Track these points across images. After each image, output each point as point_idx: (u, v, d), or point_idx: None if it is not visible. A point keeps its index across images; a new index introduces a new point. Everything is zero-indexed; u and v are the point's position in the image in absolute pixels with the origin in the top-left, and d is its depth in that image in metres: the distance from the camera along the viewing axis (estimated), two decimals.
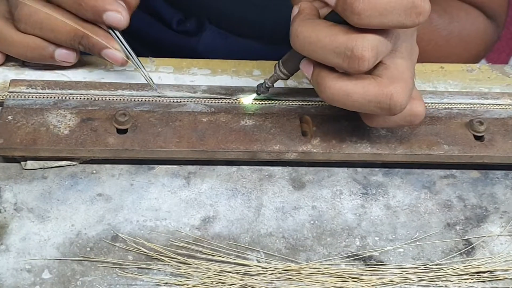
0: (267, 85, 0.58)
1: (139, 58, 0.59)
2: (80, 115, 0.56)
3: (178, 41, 0.82)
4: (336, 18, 0.50)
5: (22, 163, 0.55)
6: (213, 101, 0.59)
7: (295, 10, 0.52)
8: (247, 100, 0.59)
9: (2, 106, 0.57)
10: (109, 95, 0.58)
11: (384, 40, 0.49)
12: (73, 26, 0.57)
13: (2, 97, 0.57)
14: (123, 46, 0.58)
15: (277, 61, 0.56)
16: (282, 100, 0.60)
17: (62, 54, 0.59)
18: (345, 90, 0.50)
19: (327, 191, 0.57)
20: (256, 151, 0.56)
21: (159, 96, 0.59)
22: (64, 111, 0.56)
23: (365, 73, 0.50)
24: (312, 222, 0.54)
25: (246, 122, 0.57)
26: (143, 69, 0.59)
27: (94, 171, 0.55)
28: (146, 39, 0.81)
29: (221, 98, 0.59)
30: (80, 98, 0.58)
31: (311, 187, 0.57)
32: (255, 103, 0.59)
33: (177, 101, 0.59)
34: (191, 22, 0.82)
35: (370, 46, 0.48)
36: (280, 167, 0.58)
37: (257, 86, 0.59)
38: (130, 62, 0.59)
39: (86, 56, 0.63)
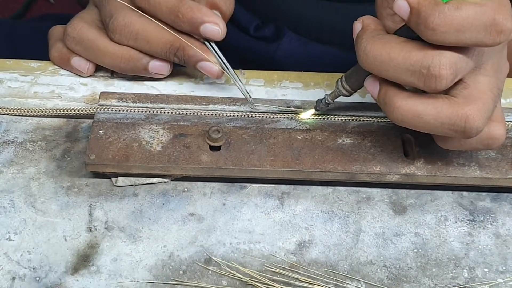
0: (327, 101, 0.54)
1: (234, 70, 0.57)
2: (172, 130, 0.54)
3: (256, 47, 0.79)
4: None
5: (113, 179, 0.53)
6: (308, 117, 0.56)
7: (358, 26, 0.49)
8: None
9: (93, 120, 0.56)
10: (200, 109, 0.56)
11: (463, 57, 0.45)
12: (169, 37, 0.55)
13: (93, 110, 0.56)
14: (219, 59, 0.56)
15: (339, 77, 0.53)
16: (382, 118, 0.56)
17: (156, 66, 0.57)
18: (415, 111, 0.46)
19: (430, 217, 0.53)
20: (355, 172, 0.52)
21: (252, 111, 0.56)
22: (156, 126, 0.54)
23: (441, 92, 0.47)
24: (415, 250, 0.51)
25: (343, 141, 0.54)
26: (239, 82, 0.56)
27: (186, 189, 0.53)
28: (222, 44, 0.79)
29: (314, 115, 0.56)
30: (172, 113, 0.56)
31: (413, 212, 0.53)
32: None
33: (270, 117, 0.56)
34: (269, 28, 0.79)
35: (448, 64, 0.44)
36: (378, 189, 0.54)
37: (316, 101, 0.55)
38: (225, 74, 0.57)
39: (176, 68, 0.61)
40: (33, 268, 0.48)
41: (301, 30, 0.78)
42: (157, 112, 0.56)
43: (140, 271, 0.48)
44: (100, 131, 0.53)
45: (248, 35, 0.79)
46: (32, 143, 0.55)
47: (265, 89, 0.61)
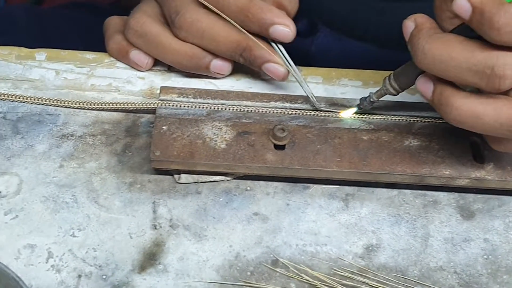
0: (371, 100, 0.53)
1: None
2: (235, 128, 0.53)
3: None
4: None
5: (176, 176, 0.52)
6: (372, 117, 0.55)
7: (410, 24, 0.47)
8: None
9: (152, 114, 0.55)
10: (262, 106, 0.55)
11: None
12: (235, 37, 0.54)
13: (153, 105, 0.54)
14: (285, 60, 0.55)
15: (387, 74, 0.51)
16: None
17: (218, 65, 0.56)
18: (474, 112, 0.45)
19: (499, 223, 0.52)
20: (424, 175, 0.51)
21: (317, 110, 0.55)
22: (219, 123, 0.53)
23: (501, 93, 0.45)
24: (485, 256, 0.50)
25: (410, 142, 0.53)
26: (305, 85, 0.55)
27: (248, 188, 0.52)
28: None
29: (381, 115, 0.55)
30: (233, 109, 0.55)
31: (481, 217, 0.52)
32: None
33: (333, 116, 0.55)
34: (302, 22, 0.78)
35: None
36: (445, 193, 0.53)
37: (360, 99, 0.54)
38: (291, 75, 0.56)
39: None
40: (99, 266, 0.47)
41: (334, 25, 0.76)
42: (218, 108, 0.55)
43: (207, 271, 0.47)
44: (164, 127, 0.52)
45: None
46: (91, 137, 0.54)
47: (324, 86, 0.60)
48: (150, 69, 0.59)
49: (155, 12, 0.57)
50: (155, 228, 0.49)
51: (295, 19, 0.76)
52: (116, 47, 0.58)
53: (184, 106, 0.54)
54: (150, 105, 0.55)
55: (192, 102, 0.55)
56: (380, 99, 0.53)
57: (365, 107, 0.54)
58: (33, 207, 0.49)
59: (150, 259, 0.47)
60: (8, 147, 0.52)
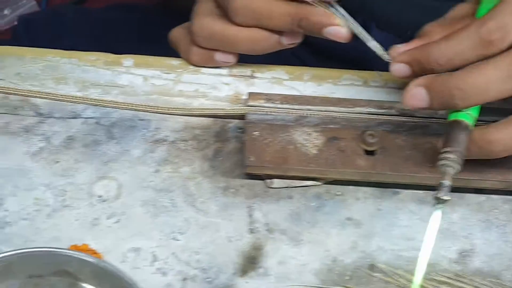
0: (446, 186, 0.46)
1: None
2: (324, 133, 0.54)
3: (343, 44, 0.79)
4: None
5: (268, 181, 0.53)
6: None
7: None
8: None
9: (240, 120, 0.56)
10: (347, 112, 0.56)
11: None
12: (290, 9, 0.53)
13: (243, 111, 0.55)
14: (346, 20, 0.54)
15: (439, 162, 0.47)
16: None
17: (288, 39, 0.56)
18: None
19: None
20: None
21: (400, 115, 0.55)
22: (308, 128, 0.54)
23: None
24: None
25: None
26: (372, 41, 0.54)
27: (339, 193, 0.53)
28: (308, 42, 0.77)
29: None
30: (319, 115, 0.55)
31: None
32: None
33: (420, 122, 0.55)
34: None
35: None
36: None
37: (435, 198, 0.46)
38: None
39: (312, 68, 0.61)
40: (203, 269, 0.48)
41: (386, 26, 0.76)
42: (305, 114, 0.55)
43: (307, 275, 0.48)
44: (255, 133, 0.53)
45: None
46: (183, 142, 0.55)
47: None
48: (234, 76, 0.60)
49: (209, 9, 0.57)
50: (252, 232, 0.50)
51: None
52: (199, 58, 0.59)
53: (271, 112, 0.55)
54: (239, 111, 0.56)
55: (279, 108, 0.56)
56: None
57: (444, 197, 0.46)
58: (134, 211, 0.51)
59: (250, 262, 0.48)
60: (104, 152, 0.54)
